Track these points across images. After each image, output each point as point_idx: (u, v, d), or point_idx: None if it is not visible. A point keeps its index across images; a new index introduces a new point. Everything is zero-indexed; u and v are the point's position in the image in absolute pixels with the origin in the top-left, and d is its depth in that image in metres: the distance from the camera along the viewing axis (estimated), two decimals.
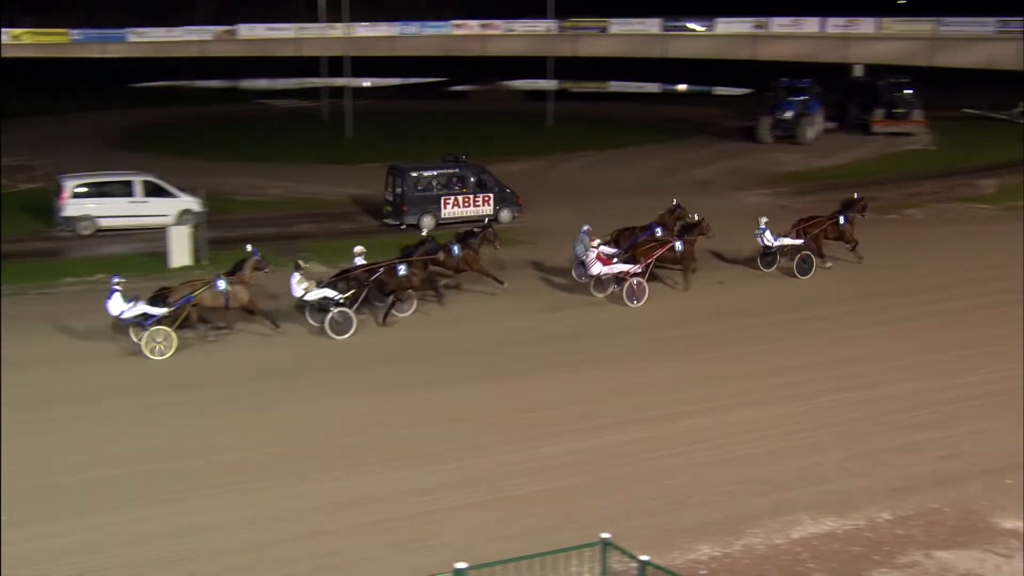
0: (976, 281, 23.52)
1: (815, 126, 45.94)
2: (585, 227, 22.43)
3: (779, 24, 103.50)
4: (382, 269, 20.07)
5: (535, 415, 15.76)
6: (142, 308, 18.18)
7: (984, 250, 26.53)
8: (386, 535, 12.09)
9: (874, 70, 56.78)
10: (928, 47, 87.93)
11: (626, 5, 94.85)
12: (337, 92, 53.71)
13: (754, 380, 17.44)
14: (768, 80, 49.43)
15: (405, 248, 21.27)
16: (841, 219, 24.24)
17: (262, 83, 73.35)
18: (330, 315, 19.21)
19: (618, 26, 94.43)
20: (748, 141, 45.78)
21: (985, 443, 14.85)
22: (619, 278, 21.64)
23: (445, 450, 14.45)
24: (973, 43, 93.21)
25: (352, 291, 19.70)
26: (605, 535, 9.58)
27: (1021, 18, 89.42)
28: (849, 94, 52.33)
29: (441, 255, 21.55)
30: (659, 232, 23.14)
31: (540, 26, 75.87)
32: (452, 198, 29.33)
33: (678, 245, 22.37)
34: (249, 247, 19.67)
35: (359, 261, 20.23)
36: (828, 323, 20.46)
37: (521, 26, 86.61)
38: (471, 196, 29.58)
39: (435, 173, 29.41)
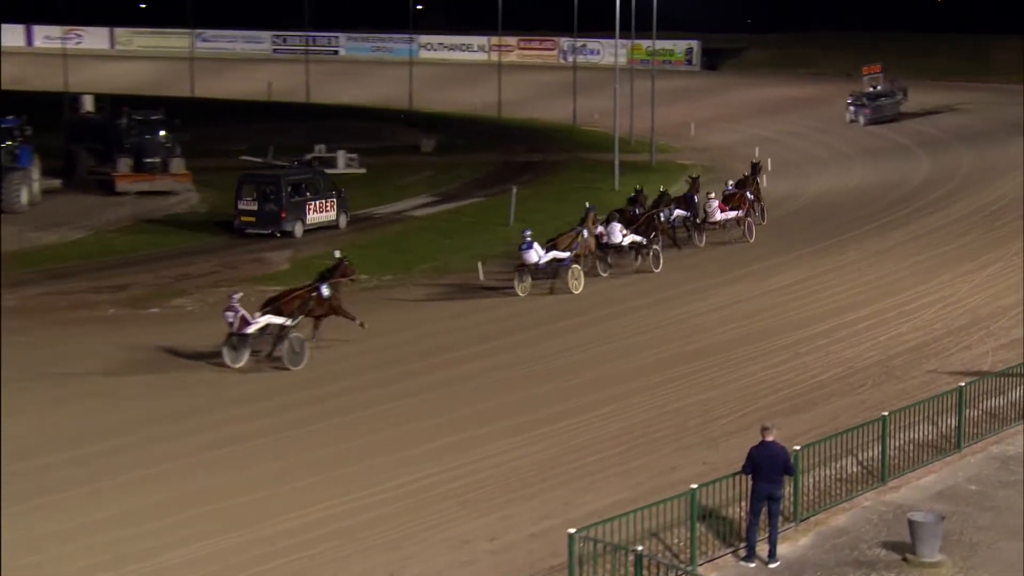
0: (296, 386, 25.54)
1: (29, 185, 46.25)
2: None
3: None
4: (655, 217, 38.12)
5: None
6: (554, 254, 34.10)
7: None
8: None
9: (114, 102, 58.57)
10: (186, 69, 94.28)
11: None
12: None
13: None
14: None
15: (663, 196, 39.74)
16: (758, 180, 45.32)
17: None
18: (651, 252, 37.12)
19: None
20: None
21: None
22: (736, 221, 42.01)
23: None
24: (247, 65, 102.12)
25: (653, 234, 37.17)
26: None
27: (302, 33, 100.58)
28: (78, 137, 53.31)
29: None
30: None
31: None
32: (313, 203, 42.93)
33: (749, 194, 43.16)
34: (588, 204, 36.65)
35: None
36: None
37: None
38: (324, 201, 43.27)
39: (300, 178, 43.59)
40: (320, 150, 59.63)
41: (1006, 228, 41.49)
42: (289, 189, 42.13)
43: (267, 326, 27.14)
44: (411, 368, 27.17)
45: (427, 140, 67.63)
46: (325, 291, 27.88)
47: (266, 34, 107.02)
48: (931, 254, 38.26)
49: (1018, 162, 54.68)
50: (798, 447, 18.62)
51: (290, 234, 41.90)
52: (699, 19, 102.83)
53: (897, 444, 20.68)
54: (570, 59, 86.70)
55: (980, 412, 22.37)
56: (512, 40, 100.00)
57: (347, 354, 28.21)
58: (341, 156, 58.79)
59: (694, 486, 17.45)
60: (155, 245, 41.46)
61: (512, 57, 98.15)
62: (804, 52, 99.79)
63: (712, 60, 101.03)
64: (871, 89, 75.90)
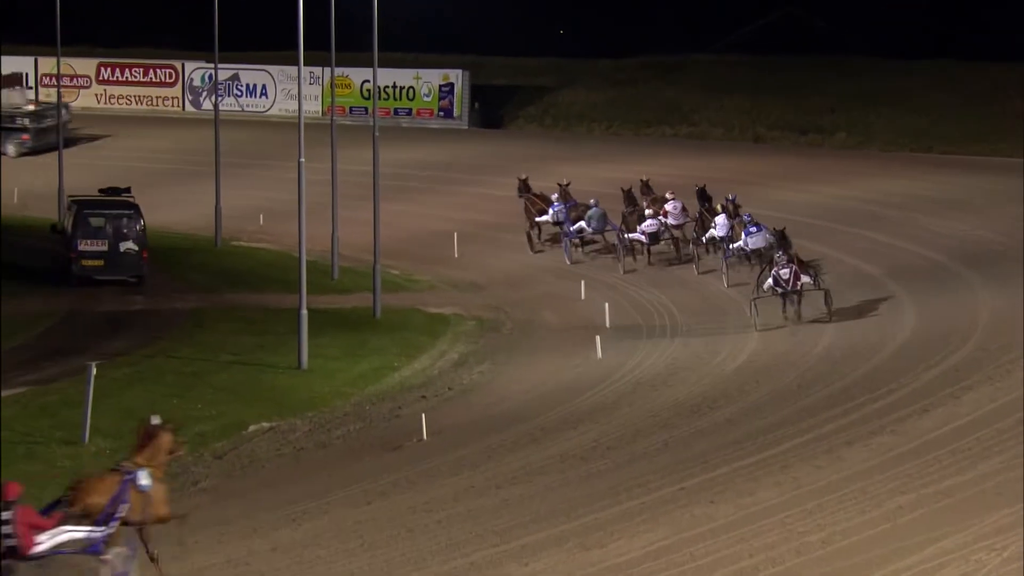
0: None
1: None
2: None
3: None
4: None
5: None
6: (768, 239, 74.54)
7: None
8: None
9: None
10: None
11: None
12: None
13: None
14: None
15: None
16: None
17: None
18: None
19: None
20: None
21: None
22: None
23: None
24: None
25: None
26: None
27: None
28: None
29: None
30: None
31: None
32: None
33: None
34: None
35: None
36: None
37: None
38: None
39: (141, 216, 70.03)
40: None
41: None
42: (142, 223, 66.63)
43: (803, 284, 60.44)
44: None
45: None
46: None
47: None
48: (923, 493, 38.47)
49: None
50: None
51: (142, 279, 66.00)
52: (467, 30, 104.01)
53: None
54: (207, 103, 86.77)
55: None
56: (86, 65, 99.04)
57: None
58: None
59: None
60: None
61: (87, 99, 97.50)
62: (663, 91, 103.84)
63: (490, 110, 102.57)
64: (30, 108, 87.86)
